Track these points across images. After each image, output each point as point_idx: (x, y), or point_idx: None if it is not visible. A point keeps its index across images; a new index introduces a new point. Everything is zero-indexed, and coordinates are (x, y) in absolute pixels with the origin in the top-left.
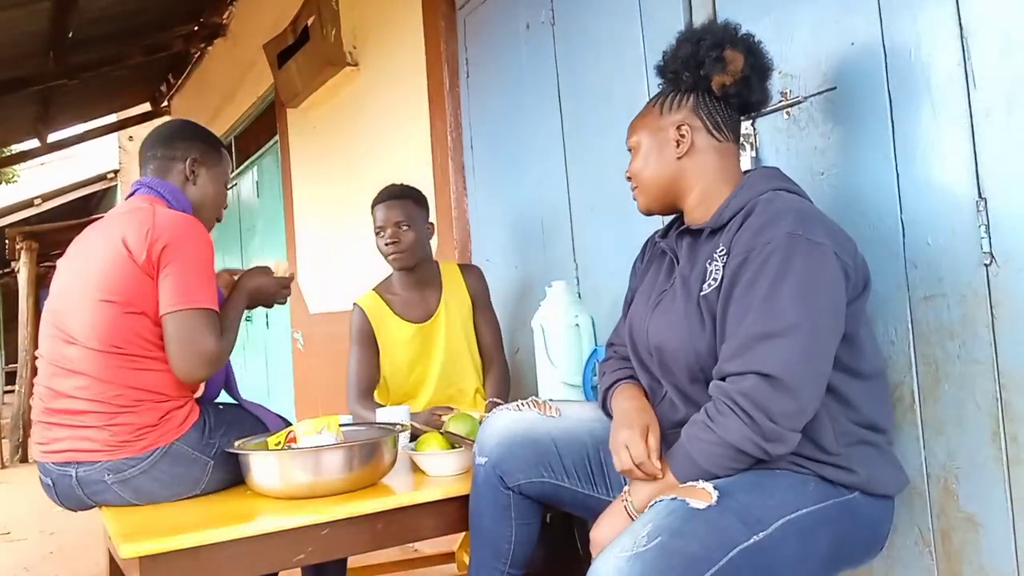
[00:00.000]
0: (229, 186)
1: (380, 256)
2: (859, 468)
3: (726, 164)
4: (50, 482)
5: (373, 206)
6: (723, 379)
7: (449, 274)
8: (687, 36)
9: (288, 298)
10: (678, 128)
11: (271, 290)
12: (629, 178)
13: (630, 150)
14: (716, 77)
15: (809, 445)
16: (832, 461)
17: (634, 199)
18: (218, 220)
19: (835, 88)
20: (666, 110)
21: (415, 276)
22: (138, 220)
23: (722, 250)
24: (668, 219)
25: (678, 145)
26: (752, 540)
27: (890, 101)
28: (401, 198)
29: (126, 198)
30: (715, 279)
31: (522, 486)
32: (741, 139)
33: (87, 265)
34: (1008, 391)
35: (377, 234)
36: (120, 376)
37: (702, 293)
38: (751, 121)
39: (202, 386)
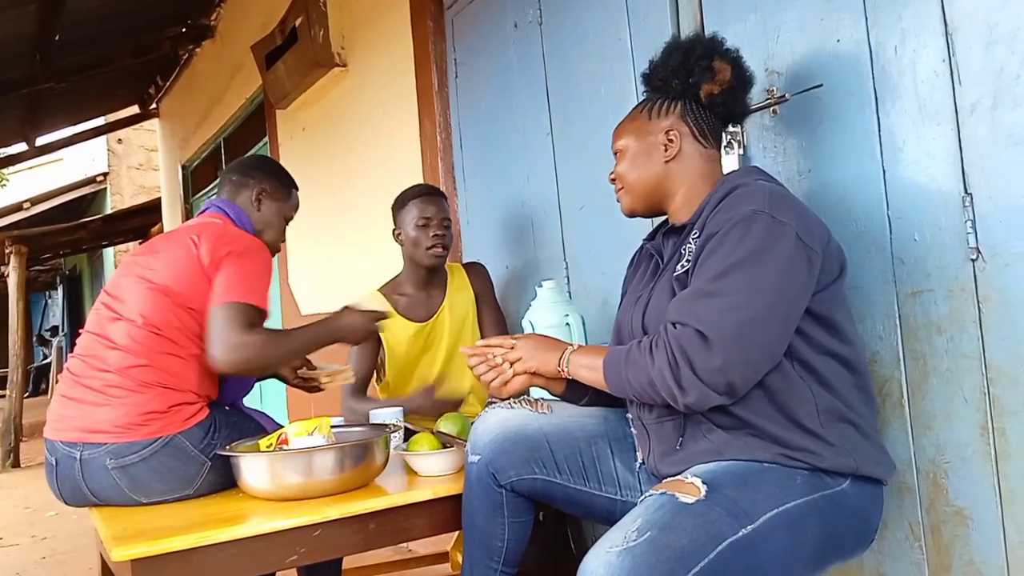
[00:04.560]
0: (290, 221)
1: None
2: (844, 448)
3: (710, 168)
4: (54, 461)
5: (413, 199)
6: (672, 325)
7: (454, 274)
8: (677, 45)
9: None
10: (667, 133)
11: (360, 327)
12: (613, 180)
13: (615, 154)
14: (705, 85)
15: (795, 429)
16: (815, 447)
17: (618, 200)
18: (276, 251)
19: (821, 85)
20: (655, 116)
21: (430, 275)
22: (212, 231)
23: (696, 233)
24: (655, 222)
25: (666, 149)
26: (740, 533)
27: (876, 98)
28: (443, 197)
29: (199, 214)
30: (688, 260)
31: (514, 483)
32: (728, 137)
33: (152, 261)
34: (996, 385)
35: (421, 226)
36: (150, 353)
37: (675, 273)
38: None
39: (217, 392)
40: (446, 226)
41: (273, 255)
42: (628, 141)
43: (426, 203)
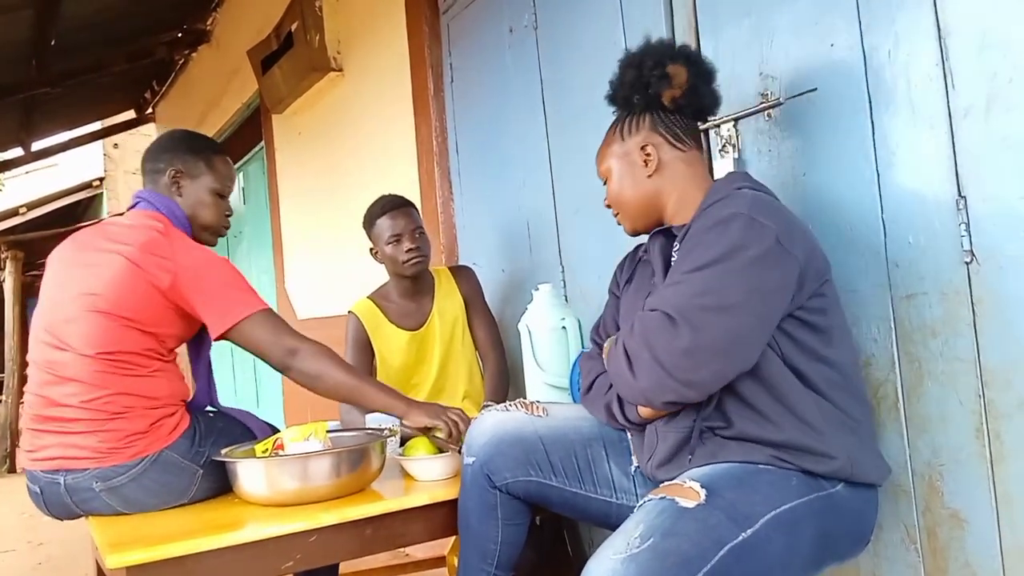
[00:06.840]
0: (224, 194)
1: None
2: (839, 454)
3: (695, 170)
4: (38, 490)
5: (379, 216)
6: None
7: (442, 279)
8: (628, 62)
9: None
10: (642, 148)
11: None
12: (609, 206)
13: (604, 182)
14: (665, 92)
15: (799, 434)
16: (814, 446)
17: (619, 224)
18: (225, 228)
19: (815, 89)
20: (626, 134)
21: (416, 283)
22: (155, 246)
23: (678, 246)
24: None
25: (646, 164)
26: (741, 537)
27: (870, 102)
28: (409, 206)
29: (128, 209)
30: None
31: (509, 485)
32: (724, 143)
33: (89, 277)
34: (991, 388)
35: (393, 242)
36: (110, 381)
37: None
38: (733, 123)
39: (191, 392)
40: (419, 235)
41: (223, 235)
42: (609, 164)
43: (394, 218)
